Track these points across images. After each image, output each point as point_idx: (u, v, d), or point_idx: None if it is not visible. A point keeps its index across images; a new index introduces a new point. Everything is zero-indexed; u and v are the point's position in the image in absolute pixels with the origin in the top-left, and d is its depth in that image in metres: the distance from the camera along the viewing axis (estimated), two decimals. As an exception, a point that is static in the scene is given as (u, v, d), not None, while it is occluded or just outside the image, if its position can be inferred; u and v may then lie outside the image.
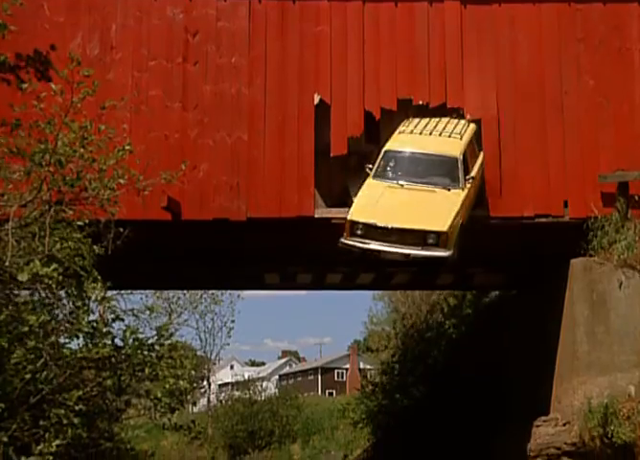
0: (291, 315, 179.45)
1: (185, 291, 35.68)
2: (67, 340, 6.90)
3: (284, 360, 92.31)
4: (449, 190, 13.70)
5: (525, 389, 17.01)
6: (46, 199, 7.30)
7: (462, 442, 18.87)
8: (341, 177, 15.49)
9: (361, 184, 14.11)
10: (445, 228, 13.04)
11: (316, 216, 14.99)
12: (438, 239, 13.07)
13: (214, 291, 43.73)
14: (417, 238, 13.09)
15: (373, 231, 13.17)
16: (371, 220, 13.14)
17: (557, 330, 15.80)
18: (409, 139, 14.50)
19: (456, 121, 14.83)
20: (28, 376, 6.08)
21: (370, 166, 14.18)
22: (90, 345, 6.57)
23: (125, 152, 8.12)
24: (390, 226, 13.01)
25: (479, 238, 14.36)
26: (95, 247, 7.21)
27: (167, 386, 6.86)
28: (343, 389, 63.94)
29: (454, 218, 13.27)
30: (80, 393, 6.27)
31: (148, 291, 26.77)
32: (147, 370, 6.90)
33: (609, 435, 13.47)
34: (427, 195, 13.59)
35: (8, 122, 7.28)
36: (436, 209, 13.35)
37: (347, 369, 71.89)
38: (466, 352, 21.49)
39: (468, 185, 13.90)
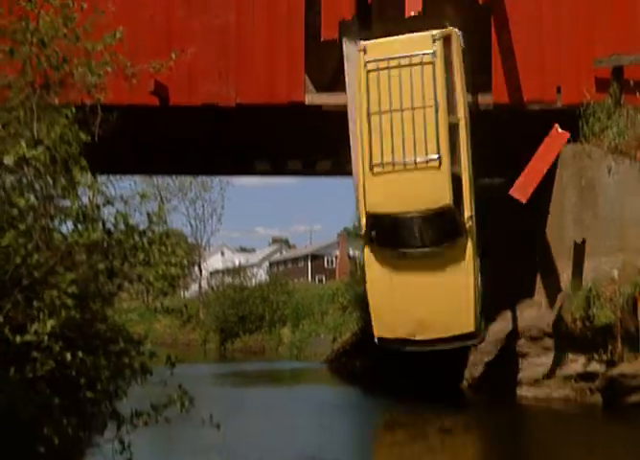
0: (282, 203, 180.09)
1: (174, 178, 35.51)
2: (57, 225, 6.88)
3: (274, 247, 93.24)
4: (456, 250, 12.81)
5: (511, 273, 17.29)
6: (30, 81, 7.11)
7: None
8: (332, 62, 15.21)
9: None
10: (473, 328, 12.78)
11: (307, 102, 14.79)
12: (469, 335, 13.03)
13: (203, 178, 43.74)
14: (449, 339, 12.89)
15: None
16: (399, 336, 12.89)
17: (545, 216, 15.94)
18: (387, 189, 12.72)
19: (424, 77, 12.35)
20: (19, 260, 6.10)
21: (359, 226, 13.30)
22: (80, 229, 6.55)
23: (115, 39, 7.83)
24: (421, 339, 12.71)
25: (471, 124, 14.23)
26: (81, 134, 7.08)
27: (159, 271, 6.89)
28: (332, 275, 64.91)
29: (475, 304, 12.80)
30: (73, 276, 6.30)
31: (136, 178, 26.67)
32: (139, 255, 6.91)
33: (591, 317, 13.84)
34: (439, 273, 12.70)
35: (-15, -1, 7.02)
36: (457, 298, 12.66)
37: (336, 256, 72.74)
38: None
39: (471, 223, 12.92)
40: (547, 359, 15.11)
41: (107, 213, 7.10)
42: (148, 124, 14.59)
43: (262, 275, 50.48)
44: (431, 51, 12.36)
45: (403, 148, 12.28)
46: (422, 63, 12.31)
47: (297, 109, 14.76)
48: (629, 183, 14.72)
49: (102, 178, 9.26)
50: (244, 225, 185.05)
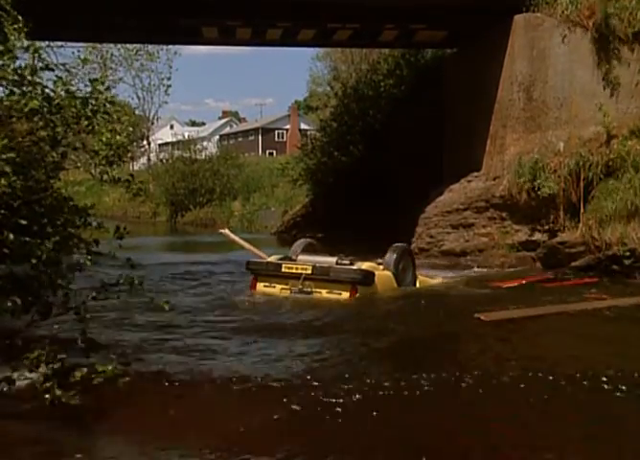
0: (233, 75, 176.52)
1: (119, 47, 34.19)
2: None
3: (224, 121, 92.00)
4: None
5: (462, 145, 17.41)
6: None
7: (400, 195, 19.51)
8: None
9: None
10: None
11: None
12: None
13: (149, 47, 42.28)
14: None
15: None
16: None
17: (495, 88, 15.89)
18: None
19: None
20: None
21: None
22: (18, 94, 6.28)
23: None
24: None
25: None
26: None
27: (103, 139, 6.69)
28: (283, 149, 64.65)
29: None
30: (13, 143, 6.10)
31: (80, 46, 25.62)
32: (82, 122, 6.69)
33: (536, 188, 14.12)
34: None
35: None
36: None
37: (287, 129, 72.29)
38: (405, 110, 21.62)
39: None
40: (492, 230, 15.48)
41: (47, 80, 6.83)
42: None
43: (211, 148, 49.91)
44: None
45: None
46: None
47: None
48: (580, 54, 14.67)
49: (42, 44, 8.79)
50: (194, 97, 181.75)
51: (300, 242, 12.36)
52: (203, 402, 5.98)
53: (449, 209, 16.56)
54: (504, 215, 15.14)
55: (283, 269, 11.04)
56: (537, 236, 14.46)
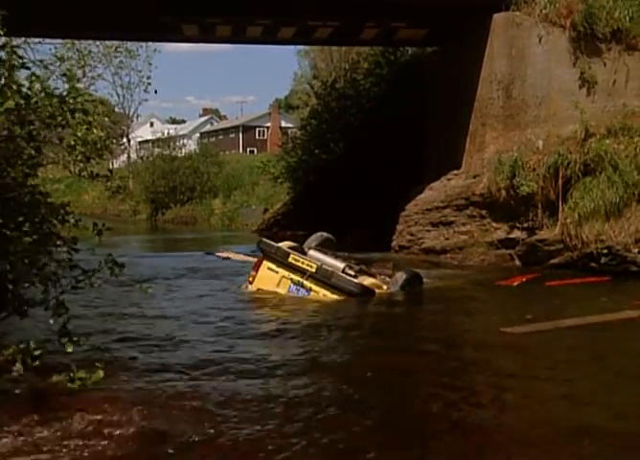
0: (214, 73, 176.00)
1: (98, 43, 33.90)
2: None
3: (205, 118, 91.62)
4: None
5: (442, 143, 17.45)
6: None
7: (381, 193, 19.51)
8: None
9: None
10: None
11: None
12: None
13: (129, 44, 41.91)
14: None
15: None
16: None
17: (475, 86, 15.94)
18: None
19: None
20: None
21: None
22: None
23: None
24: None
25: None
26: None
27: (79, 134, 6.58)
28: (264, 147, 64.50)
29: None
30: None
31: (58, 43, 25.35)
32: (57, 118, 6.59)
33: (515, 186, 14.19)
34: None
35: None
36: None
37: (268, 127, 72.13)
38: (385, 109, 21.62)
39: None
40: (472, 227, 15.53)
41: (24, 72, 6.75)
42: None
43: (192, 146, 49.68)
44: None
45: None
46: None
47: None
48: (559, 53, 14.76)
49: (18, 41, 8.71)
50: (175, 94, 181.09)
51: (316, 236, 12.25)
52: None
53: (430, 207, 16.61)
54: (484, 213, 15.20)
55: (289, 259, 10.91)
56: (517, 233, 14.52)
